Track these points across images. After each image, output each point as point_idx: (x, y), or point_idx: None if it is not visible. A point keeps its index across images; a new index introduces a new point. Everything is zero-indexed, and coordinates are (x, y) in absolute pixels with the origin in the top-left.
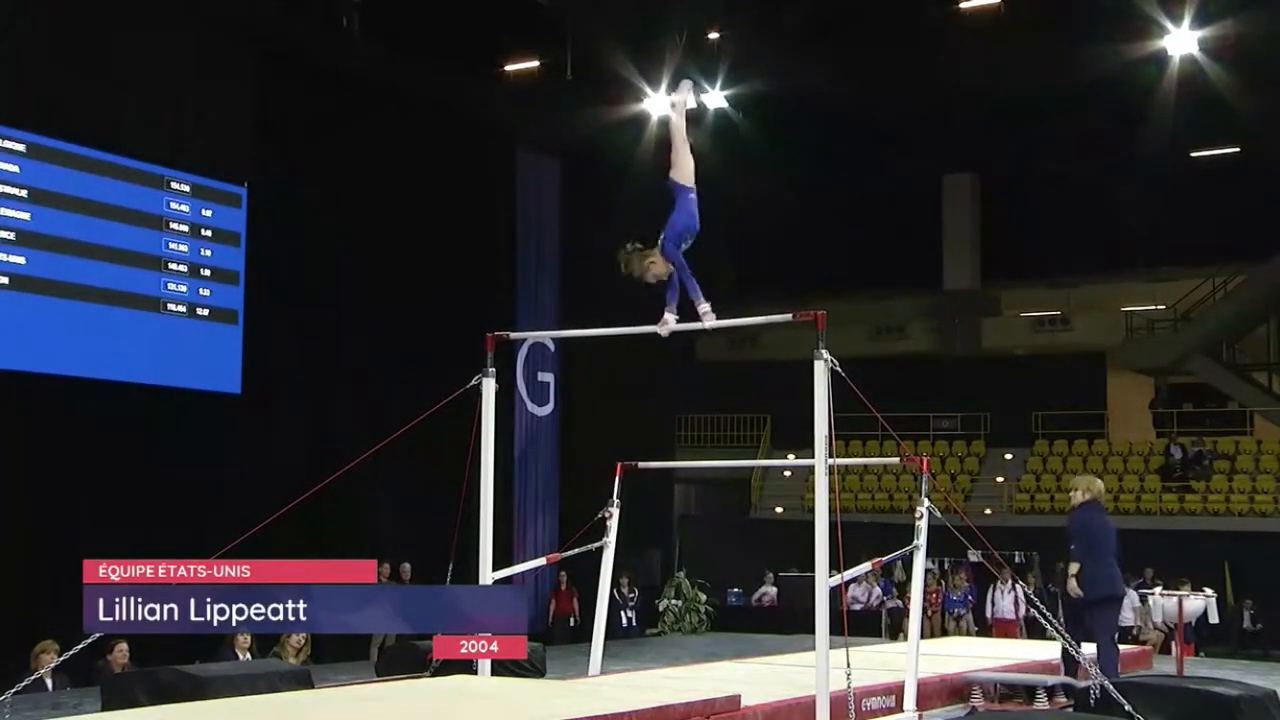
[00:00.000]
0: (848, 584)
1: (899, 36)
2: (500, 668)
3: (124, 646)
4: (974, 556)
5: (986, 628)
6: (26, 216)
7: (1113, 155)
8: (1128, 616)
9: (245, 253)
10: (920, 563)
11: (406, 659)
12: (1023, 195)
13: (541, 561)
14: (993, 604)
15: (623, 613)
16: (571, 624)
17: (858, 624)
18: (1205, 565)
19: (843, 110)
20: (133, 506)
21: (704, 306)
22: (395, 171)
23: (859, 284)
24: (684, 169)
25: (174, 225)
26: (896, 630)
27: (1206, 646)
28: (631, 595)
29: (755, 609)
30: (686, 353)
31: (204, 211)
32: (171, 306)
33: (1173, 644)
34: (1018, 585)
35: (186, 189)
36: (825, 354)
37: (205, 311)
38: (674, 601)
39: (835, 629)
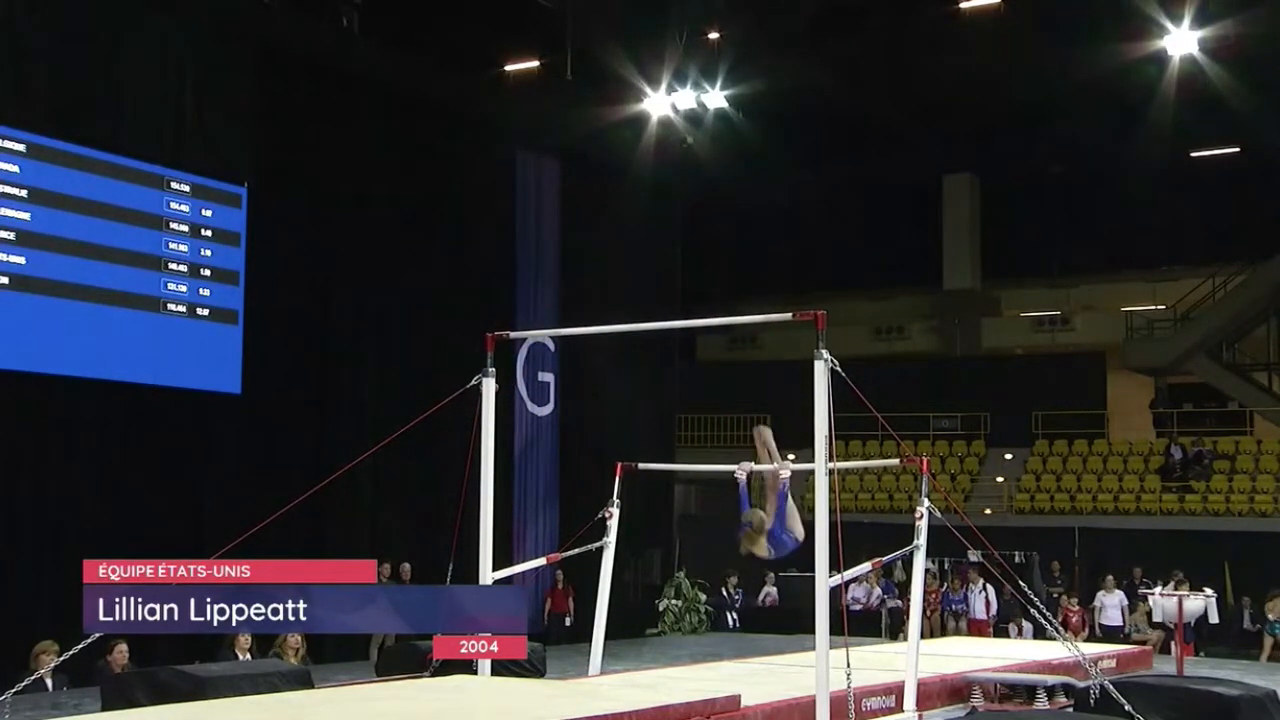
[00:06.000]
0: (848, 584)
1: (899, 36)
2: (500, 668)
3: (124, 646)
4: (974, 556)
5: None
6: (26, 216)
7: (1113, 155)
8: (1114, 617)
9: (245, 253)
10: (920, 563)
11: (406, 659)
12: (1023, 195)
13: (541, 561)
14: (966, 605)
15: (729, 613)
16: (567, 623)
17: (858, 624)
18: (1205, 565)
19: (843, 110)
20: (133, 506)
21: None
22: (395, 171)
23: (859, 284)
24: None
25: (174, 225)
26: (896, 630)
27: (1206, 646)
28: (737, 595)
29: (755, 609)
30: (686, 353)
31: (204, 211)
32: (171, 306)
33: (1173, 644)
34: (988, 587)
35: (186, 189)
36: (825, 354)
37: (205, 311)
38: (674, 601)
39: (835, 629)
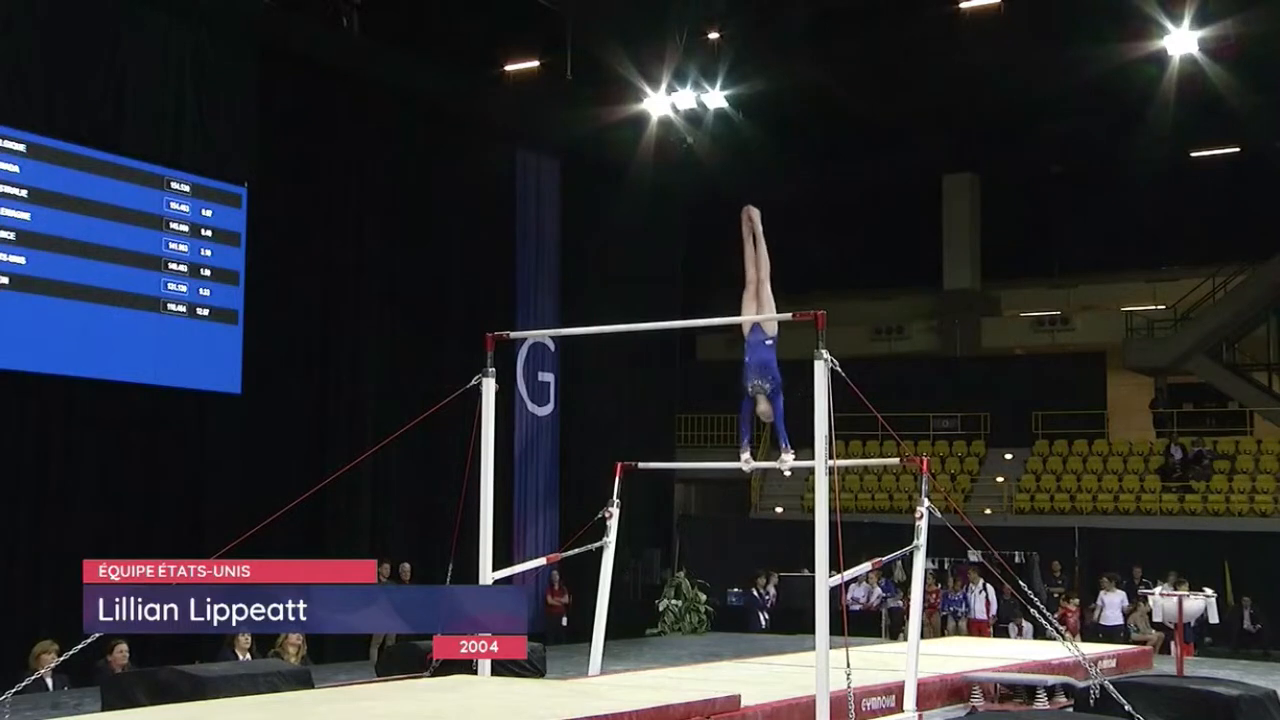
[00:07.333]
0: (848, 584)
1: (899, 36)
2: (500, 668)
3: (124, 646)
4: (974, 556)
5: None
6: (26, 216)
7: (1113, 155)
8: (1114, 617)
9: (245, 253)
10: (920, 563)
11: (406, 659)
12: (1023, 195)
13: (541, 561)
14: (966, 605)
15: (761, 613)
16: (565, 623)
17: (858, 624)
18: (1205, 565)
19: (843, 110)
20: (133, 506)
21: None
22: (395, 171)
23: (859, 284)
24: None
25: (174, 225)
26: (896, 630)
27: (1206, 646)
28: (768, 595)
29: (754, 609)
30: (686, 353)
31: (204, 211)
32: (171, 306)
33: (1173, 644)
34: (988, 587)
35: (186, 189)
36: (825, 354)
37: (205, 311)
38: (674, 601)
39: (835, 629)
